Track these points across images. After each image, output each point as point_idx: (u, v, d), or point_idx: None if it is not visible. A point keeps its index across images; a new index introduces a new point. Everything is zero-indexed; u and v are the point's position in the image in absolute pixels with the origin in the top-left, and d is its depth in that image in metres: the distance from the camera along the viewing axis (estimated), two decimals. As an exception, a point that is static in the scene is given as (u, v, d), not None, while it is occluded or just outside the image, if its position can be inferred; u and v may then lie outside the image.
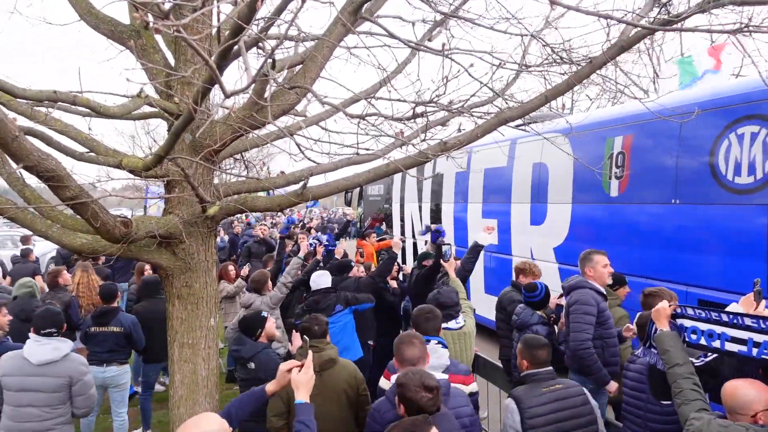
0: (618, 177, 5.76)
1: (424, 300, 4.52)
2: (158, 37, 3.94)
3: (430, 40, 4.40)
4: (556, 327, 4.73)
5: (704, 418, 2.49)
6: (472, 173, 8.36)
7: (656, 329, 3.02)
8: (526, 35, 3.77)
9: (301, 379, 2.54)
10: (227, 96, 2.04)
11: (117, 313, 5.28)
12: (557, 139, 6.05)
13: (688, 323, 2.91)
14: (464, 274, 5.32)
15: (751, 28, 2.93)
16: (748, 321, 2.68)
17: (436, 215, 9.56)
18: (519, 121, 4.86)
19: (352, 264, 6.37)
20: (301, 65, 3.63)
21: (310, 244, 7.91)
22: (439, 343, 3.42)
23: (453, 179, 9.09)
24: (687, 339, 2.89)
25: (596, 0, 3.50)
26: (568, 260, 6.38)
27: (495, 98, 4.20)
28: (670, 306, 3.00)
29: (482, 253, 5.87)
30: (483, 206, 8.26)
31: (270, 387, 2.68)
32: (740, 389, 2.52)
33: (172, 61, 3.79)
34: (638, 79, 11.32)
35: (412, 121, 3.83)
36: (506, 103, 3.91)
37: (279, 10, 2.77)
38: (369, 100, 3.97)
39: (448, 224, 9.03)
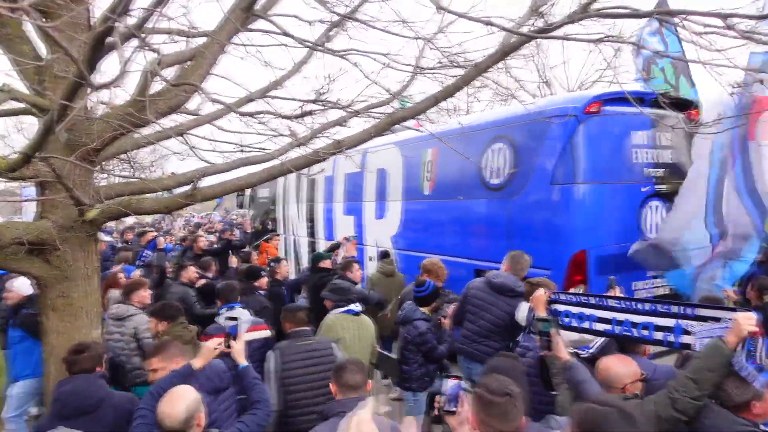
0: (428, 180, 7.24)
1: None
2: (29, 27, 3.62)
3: (327, 40, 4.42)
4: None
5: None
6: (335, 177, 9.70)
7: (534, 316, 3.25)
8: (419, 39, 3.91)
9: (240, 348, 3.24)
10: (94, 88, 1.92)
11: None
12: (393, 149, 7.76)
13: (561, 308, 3.16)
14: None
15: (611, 38, 3.25)
16: (611, 302, 2.97)
17: (311, 214, 10.78)
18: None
19: (262, 273, 6.26)
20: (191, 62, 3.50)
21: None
22: (242, 307, 4.37)
23: (323, 182, 10.25)
24: (561, 322, 3.14)
25: (492, 5, 3.74)
26: (400, 246, 7.88)
27: (392, 99, 4.31)
28: (546, 293, 3.25)
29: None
30: (344, 205, 9.54)
31: (197, 363, 3.00)
32: (613, 366, 2.81)
33: (45, 53, 3.48)
34: (525, 84, 12.52)
35: (311, 121, 3.82)
36: (402, 104, 4.02)
37: (158, 2, 2.65)
38: (265, 99, 3.92)
39: (318, 221, 10.39)
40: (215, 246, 9.56)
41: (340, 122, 4.38)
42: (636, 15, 3.28)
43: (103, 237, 9.06)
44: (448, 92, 3.72)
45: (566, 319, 3.13)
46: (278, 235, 11.24)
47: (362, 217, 8.90)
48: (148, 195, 3.72)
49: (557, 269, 5.15)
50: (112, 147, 3.47)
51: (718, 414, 2.50)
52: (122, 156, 4.41)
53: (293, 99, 3.45)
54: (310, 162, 3.53)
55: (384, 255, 7.35)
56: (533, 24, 3.66)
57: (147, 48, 2.65)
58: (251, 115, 3.32)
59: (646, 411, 2.39)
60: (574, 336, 3.42)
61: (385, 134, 5.99)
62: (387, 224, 8.15)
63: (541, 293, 3.27)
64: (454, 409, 2.33)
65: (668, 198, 5.49)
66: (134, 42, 2.85)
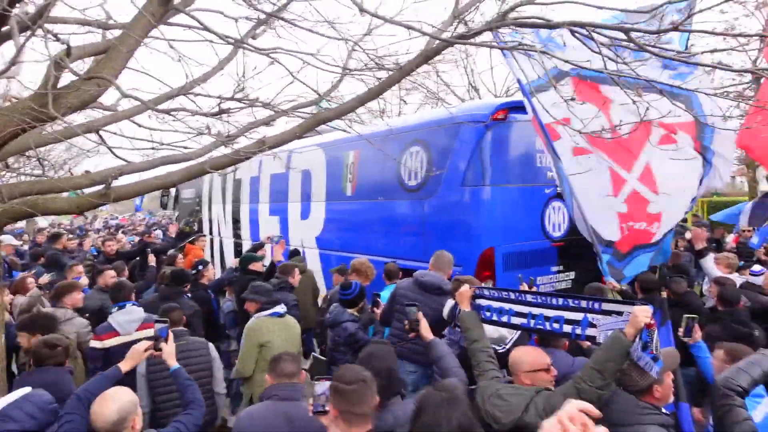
0: (351, 181, 7.45)
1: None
2: None
3: (254, 38, 4.34)
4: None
5: (489, 381, 2.87)
6: (261, 178, 9.73)
7: (460, 310, 3.36)
8: (347, 41, 3.92)
9: (171, 350, 3.22)
10: (-16, 80, 1.79)
11: None
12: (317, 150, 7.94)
13: (484, 303, 3.29)
14: None
15: (523, 47, 3.42)
16: (528, 297, 3.12)
17: (236, 214, 10.68)
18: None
19: (191, 278, 6.06)
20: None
21: None
22: (133, 304, 4.43)
23: (248, 183, 10.20)
24: (482, 317, 3.26)
25: (418, 9, 3.82)
26: (324, 246, 8.08)
27: (320, 100, 4.30)
28: (471, 289, 3.37)
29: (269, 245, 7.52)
30: (270, 205, 9.57)
31: (125, 366, 3.05)
32: (516, 353, 2.98)
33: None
34: (455, 88, 13.01)
35: (227, 118, 3.73)
36: (318, 106, 4.04)
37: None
38: (187, 95, 3.79)
39: (245, 222, 10.35)
40: (135, 248, 9.21)
41: (267, 122, 4.31)
42: (549, 26, 3.46)
43: (6, 240, 8.40)
44: (373, 94, 3.76)
45: (488, 314, 3.26)
46: (204, 236, 10.96)
47: (287, 217, 8.95)
48: (60, 194, 3.49)
49: (468, 266, 5.44)
50: (15, 143, 3.24)
51: (625, 399, 2.70)
52: (30, 153, 4.12)
53: (209, 95, 3.35)
54: (233, 161, 3.45)
55: (294, 253, 7.58)
56: (455, 30, 3.78)
57: (52, 37, 2.50)
58: (167, 112, 3.19)
59: (554, 401, 2.53)
60: (494, 335, 3.58)
61: (310, 135, 5.96)
62: (311, 225, 8.27)
63: (466, 288, 3.38)
64: (322, 409, 2.47)
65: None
66: (38, 33, 2.68)
